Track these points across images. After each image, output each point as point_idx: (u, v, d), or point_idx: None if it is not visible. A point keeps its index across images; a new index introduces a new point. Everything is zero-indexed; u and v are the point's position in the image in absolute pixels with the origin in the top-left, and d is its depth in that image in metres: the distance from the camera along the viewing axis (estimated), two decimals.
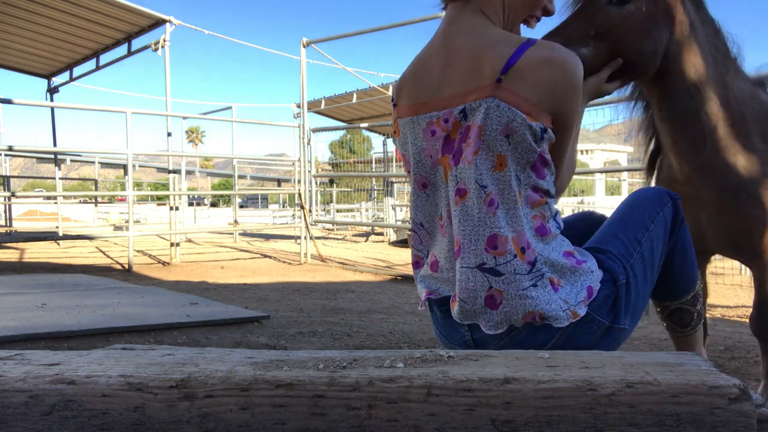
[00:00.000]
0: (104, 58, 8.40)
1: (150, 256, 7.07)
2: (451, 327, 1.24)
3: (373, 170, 13.44)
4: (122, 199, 25.05)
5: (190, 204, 18.91)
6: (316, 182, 12.67)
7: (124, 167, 12.19)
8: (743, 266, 4.15)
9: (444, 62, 1.20)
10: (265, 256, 7.43)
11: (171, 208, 6.79)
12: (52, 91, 9.67)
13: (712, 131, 1.57)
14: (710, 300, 4.10)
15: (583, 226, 1.42)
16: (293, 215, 16.12)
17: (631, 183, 13.01)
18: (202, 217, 18.08)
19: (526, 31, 1.30)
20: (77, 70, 9.10)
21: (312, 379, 0.82)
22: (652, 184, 1.80)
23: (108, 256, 7.03)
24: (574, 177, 1.55)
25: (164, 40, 6.74)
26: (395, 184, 13.23)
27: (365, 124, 11.08)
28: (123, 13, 6.78)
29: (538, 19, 1.31)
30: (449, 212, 1.20)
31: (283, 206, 22.86)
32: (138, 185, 20.70)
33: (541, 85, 1.10)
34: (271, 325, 2.94)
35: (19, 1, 6.55)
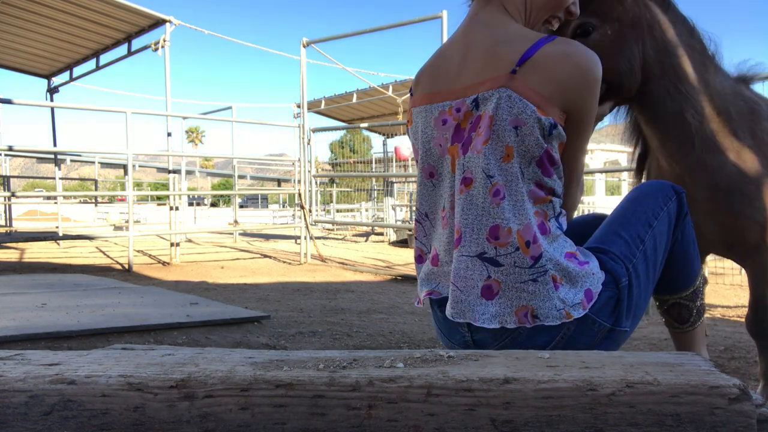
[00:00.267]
0: (104, 58, 8.40)
1: (150, 256, 7.07)
2: (451, 327, 1.24)
3: (373, 170, 13.44)
4: (122, 199, 25.05)
5: (190, 204, 18.91)
6: (316, 182, 12.68)
7: (124, 167, 12.19)
8: None
9: (462, 54, 1.21)
10: (265, 256, 7.43)
11: (171, 208, 6.79)
12: (52, 91, 9.67)
13: (699, 130, 1.56)
14: (710, 300, 4.10)
15: (589, 229, 1.40)
16: (293, 215, 16.13)
17: (631, 183, 13.01)
18: (202, 217, 18.07)
19: None
20: (77, 70, 9.11)
21: (312, 379, 0.82)
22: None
23: (108, 256, 7.03)
24: None
25: (164, 40, 6.74)
26: (395, 184, 13.23)
27: (365, 124, 11.09)
28: (123, 13, 6.78)
29: (561, 21, 1.31)
30: (452, 202, 1.19)
31: (283, 206, 22.86)
32: (138, 185, 20.70)
33: (554, 78, 1.10)
34: (271, 325, 2.94)
35: (19, 1, 6.55)
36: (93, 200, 16.63)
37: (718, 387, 0.77)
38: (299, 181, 6.96)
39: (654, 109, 1.57)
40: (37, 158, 14.97)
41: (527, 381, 0.80)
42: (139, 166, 18.03)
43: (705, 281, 1.53)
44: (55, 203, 10.85)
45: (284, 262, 6.78)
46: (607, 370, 0.84)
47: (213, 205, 33.20)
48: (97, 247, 8.17)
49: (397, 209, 13.03)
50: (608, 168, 11.22)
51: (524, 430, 0.78)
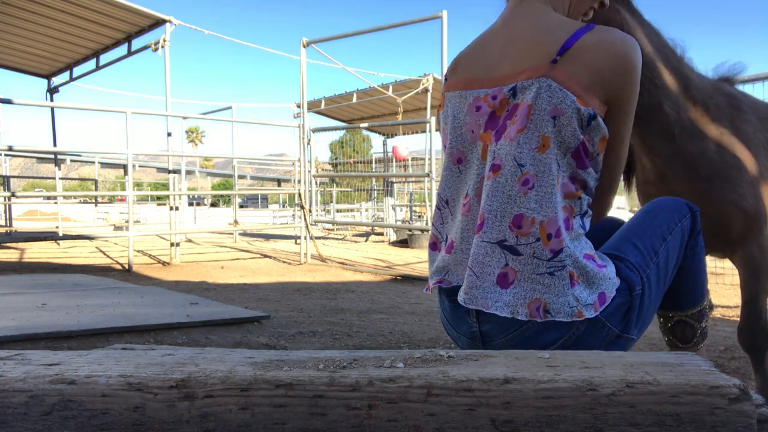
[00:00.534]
0: (104, 58, 8.40)
1: (150, 256, 7.07)
2: (458, 317, 1.23)
3: (373, 170, 13.44)
4: (122, 199, 25.06)
5: (190, 204, 18.91)
6: (316, 182, 12.68)
7: (124, 167, 12.19)
8: None
9: (502, 44, 1.21)
10: (265, 256, 7.43)
11: (171, 208, 6.79)
12: (52, 91, 9.67)
13: (678, 120, 1.57)
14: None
15: (602, 234, 1.39)
16: (293, 215, 16.12)
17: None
18: (202, 217, 18.08)
19: None
20: (77, 70, 9.10)
21: (312, 379, 0.82)
22: (627, 197, 1.80)
23: (108, 256, 7.03)
24: None
25: (164, 40, 6.74)
26: (395, 184, 13.23)
27: (365, 124, 11.09)
28: (123, 13, 6.78)
29: (595, 10, 1.33)
30: (478, 189, 1.19)
31: (283, 206, 22.86)
32: (138, 185, 20.70)
33: (593, 66, 1.10)
34: (271, 325, 2.94)
35: (19, 1, 6.55)
36: (93, 200, 16.63)
37: (718, 387, 0.77)
38: (299, 181, 6.96)
39: None
40: (37, 158, 14.97)
41: (527, 381, 0.80)
42: (139, 166, 18.04)
43: (712, 306, 1.52)
44: (55, 203, 10.84)
45: (284, 262, 6.78)
46: (607, 370, 0.84)
47: (213, 205, 33.22)
48: (97, 247, 8.17)
49: (397, 209, 13.03)
50: None
51: (524, 430, 0.78)
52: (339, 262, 6.65)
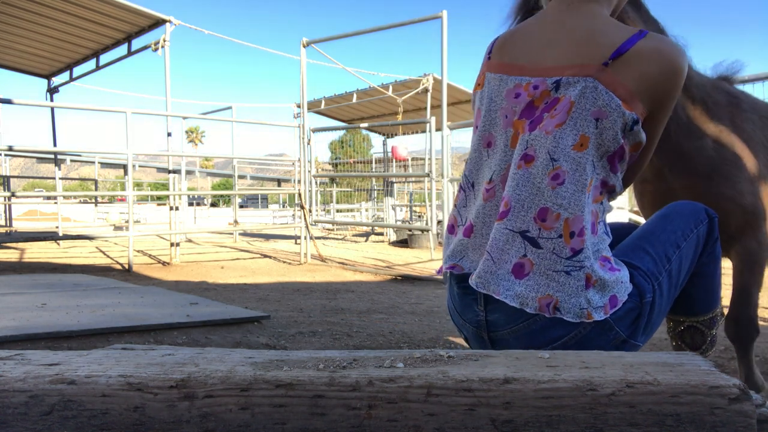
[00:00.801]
0: (104, 58, 8.40)
1: (150, 256, 7.07)
2: (466, 304, 1.22)
3: (373, 170, 13.45)
4: (122, 199, 25.06)
5: (190, 204, 18.91)
6: (316, 182, 12.68)
7: (124, 167, 12.18)
8: None
9: (552, 34, 1.21)
10: (265, 256, 7.43)
11: (171, 208, 6.79)
12: (52, 91, 9.67)
13: (675, 117, 1.56)
14: None
15: (616, 238, 1.37)
16: (293, 215, 16.12)
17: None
18: (202, 217, 18.08)
19: None
20: (77, 70, 9.11)
21: (312, 379, 0.82)
22: (627, 197, 1.79)
23: (108, 256, 7.03)
24: None
25: (164, 40, 6.74)
26: (395, 184, 13.22)
27: (365, 124, 11.09)
28: (123, 13, 6.78)
29: None
30: (503, 176, 1.18)
31: (283, 206, 22.87)
32: (138, 185, 20.70)
33: (644, 74, 1.11)
34: (271, 325, 2.94)
35: (19, 1, 6.56)
36: (93, 200, 16.63)
37: (718, 387, 0.77)
38: (299, 181, 6.96)
39: None
40: (37, 158, 14.97)
41: (527, 381, 0.80)
42: (139, 166, 18.04)
43: (723, 314, 1.51)
44: (55, 203, 10.84)
45: (284, 262, 6.78)
46: (607, 370, 0.84)
47: (213, 205, 33.22)
48: (97, 247, 8.17)
49: (397, 209, 13.02)
50: None
51: (524, 430, 0.78)
52: (339, 262, 6.65)
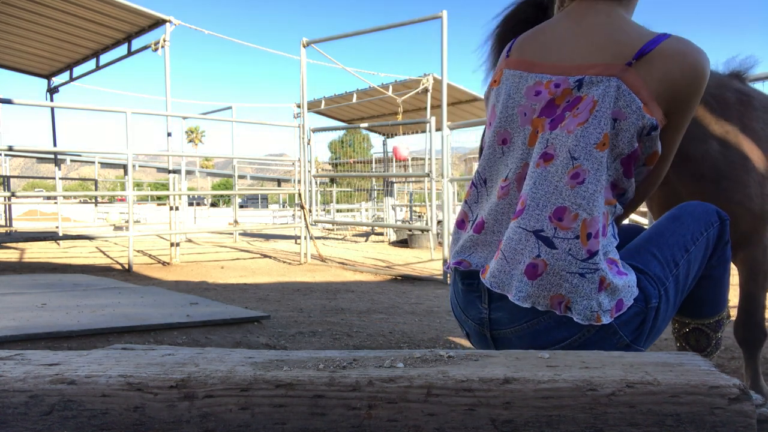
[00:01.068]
0: (104, 58, 8.40)
1: (150, 256, 7.07)
2: (470, 301, 1.21)
3: (373, 170, 13.45)
4: (122, 199, 25.06)
5: (190, 204, 18.92)
6: (316, 182, 12.67)
7: (124, 167, 12.18)
8: None
9: (574, 33, 1.20)
10: (265, 256, 7.43)
11: (171, 208, 6.79)
12: (52, 91, 9.67)
13: None
14: None
15: (624, 240, 1.36)
16: (293, 215, 16.12)
17: None
18: (202, 217, 18.08)
19: None
20: (77, 70, 9.11)
21: (312, 379, 0.82)
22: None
23: (108, 256, 7.03)
24: None
25: (164, 40, 6.74)
26: (395, 184, 13.22)
27: (365, 124, 11.09)
28: (123, 13, 6.78)
29: None
30: (519, 174, 1.16)
31: (283, 206, 22.86)
32: (138, 185, 20.70)
33: (668, 75, 1.10)
34: (271, 325, 2.94)
35: (19, 1, 6.56)
36: (93, 200, 16.63)
37: (718, 387, 0.77)
38: (299, 181, 6.96)
39: None
40: (37, 158, 14.97)
41: (527, 381, 0.80)
42: (139, 166, 18.03)
43: (729, 317, 1.49)
44: (55, 203, 10.84)
45: (284, 262, 6.78)
46: (607, 370, 0.84)
47: (213, 205, 33.24)
48: (97, 247, 8.16)
49: (397, 209, 13.02)
50: None
51: (524, 430, 0.78)
52: (339, 262, 6.65)
